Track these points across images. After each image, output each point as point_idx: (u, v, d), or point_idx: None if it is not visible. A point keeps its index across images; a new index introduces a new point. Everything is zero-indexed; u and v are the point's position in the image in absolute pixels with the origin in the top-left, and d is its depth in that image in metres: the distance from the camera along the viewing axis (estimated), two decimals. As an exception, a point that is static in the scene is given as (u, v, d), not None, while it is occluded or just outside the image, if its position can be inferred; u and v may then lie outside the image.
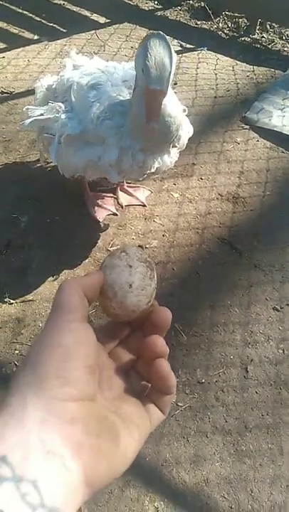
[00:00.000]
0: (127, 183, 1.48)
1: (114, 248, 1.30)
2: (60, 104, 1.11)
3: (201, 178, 1.58)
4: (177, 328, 1.18)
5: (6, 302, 1.18)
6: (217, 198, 1.51)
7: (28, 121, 1.15)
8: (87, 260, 1.30)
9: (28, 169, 1.54)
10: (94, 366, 0.26)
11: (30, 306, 1.19)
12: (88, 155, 1.08)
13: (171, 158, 1.13)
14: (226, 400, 1.07)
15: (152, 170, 1.08)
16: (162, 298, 1.18)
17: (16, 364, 1.07)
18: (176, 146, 1.12)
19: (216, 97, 1.93)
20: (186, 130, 1.16)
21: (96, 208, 1.40)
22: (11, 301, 1.18)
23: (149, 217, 1.44)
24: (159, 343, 0.30)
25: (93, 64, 1.17)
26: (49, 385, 0.23)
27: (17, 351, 1.10)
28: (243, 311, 1.23)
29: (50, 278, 1.26)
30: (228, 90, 1.96)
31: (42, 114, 1.15)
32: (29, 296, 1.20)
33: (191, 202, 1.50)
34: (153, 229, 1.40)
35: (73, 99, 1.08)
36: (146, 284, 0.31)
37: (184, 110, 1.11)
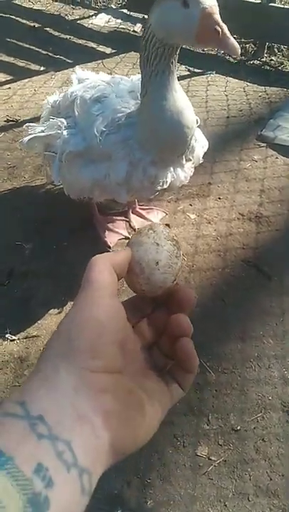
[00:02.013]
0: (139, 205, 1.37)
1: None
2: (62, 119, 1.02)
3: (219, 198, 1.46)
4: (203, 364, 1.02)
5: (8, 339, 1.04)
6: (238, 218, 1.39)
7: (26, 138, 1.06)
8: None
9: (34, 195, 1.45)
10: (123, 341, 0.27)
11: (34, 342, 1.04)
12: (94, 173, 0.97)
13: (185, 172, 1.02)
14: (268, 452, 0.89)
15: (165, 186, 0.97)
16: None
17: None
18: (190, 160, 1.02)
19: (228, 117, 1.86)
20: (200, 143, 1.07)
21: (107, 232, 1.29)
22: (13, 337, 1.04)
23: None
24: (184, 321, 0.30)
25: (98, 77, 1.09)
26: (81, 357, 0.24)
27: (19, 396, 0.95)
28: (279, 342, 1.07)
29: (57, 310, 1.12)
30: (241, 110, 1.89)
31: (43, 131, 1.06)
32: (33, 332, 1.06)
33: (209, 223, 1.37)
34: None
35: (76, 114, 1.00)
36: (172, 262, 0.32)
37: (197, 121, 0.98)
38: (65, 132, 0.99)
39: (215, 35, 0.68)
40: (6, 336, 1.04)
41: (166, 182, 0.97)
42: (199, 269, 1.23)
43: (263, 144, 1.69)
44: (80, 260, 1.26)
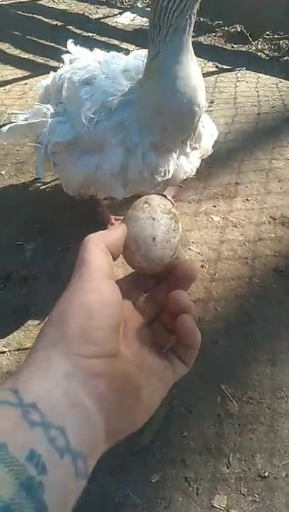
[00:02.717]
0: None
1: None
2: (49, 106, 0.89)
3: (248, 199, 1.30)
4: (225, 391, 0.85)
5: (-2, 350, 0.91)
6: (269, 222, 1.22)
7: (5, 128, 0.92)
8: (105, 296, 1.03)
9: (40, 192, 1.34)
10: (118, 324, 0.26)
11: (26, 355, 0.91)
12: (86, 166, 0.84)
13: (190, 163, 0.88)
14: (303, 509, 0.70)
15: (168, 176, 0.82)
16: (203, 347, 0.87)
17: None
18: (196, 148, 0.87)
19: (259, 113, 1.69)
20: (208, 130, 0.91)
21: None
22: (3, 348, 0.91)
23: (184, 244, 1.16)
24: (183, 298, 0.28)
25: (91, 56, 0.95)
26: (73, 343, 0.23)
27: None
28: (317, 369, 0.88)
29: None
30: (273, 107, 1.73)
31: (26, 120, 0.93)
32: (27, 343, 0.93)
33: (236, 226, 1.21)
34: (188, 258, 1.12)
35: (65, 99, 0.87)
36: (170, 236, 0.30)
37: (206, 106, 0.80)
38: (51, 120, 0.86)
39: None
40: (-4, 346, 0.91)
41: (169, 171, 0.82)
42: (222, 278, 1.07)
43: (297, 142, 1.52)
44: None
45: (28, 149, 1.49)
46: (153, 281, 0.32)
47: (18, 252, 1.13)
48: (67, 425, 0.21)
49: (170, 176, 0.83)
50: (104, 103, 0.79)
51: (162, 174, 0.82)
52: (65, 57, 1.00)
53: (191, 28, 0.67)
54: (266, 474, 0.75)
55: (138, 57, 0.88)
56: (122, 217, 1.23)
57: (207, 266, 1.10)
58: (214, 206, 1.28)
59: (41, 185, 1.35)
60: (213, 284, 1.06)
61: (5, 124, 1.03)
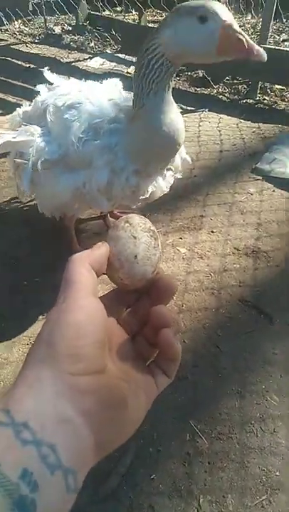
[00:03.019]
0: (119, 212, 1.29)
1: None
2: (36, 127, 0.94)
3: (212, 231, 1.33)
4: (194, 427, 0.82)
5: None
6: (233, 253, 1.25)
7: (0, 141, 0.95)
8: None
9: (7, 225, 1.32)
10: (103, 341, 0.26)
11: (-15, 398, 0.86)
12: (72, 182, 0.90)
13: (166, 181, 0.99)
14: None
15: (146, 195, 0.93)
16: (172, 382, 0.84)
17: None
18: (170, 169, 0.98)
19: (221, 151, 1.78)
20: (180, 153, 1.00)
21: None
22: None
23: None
24: (164, 313, 0.30)
25: (69, 83, 1.03)
26: (62, 362, 0.24)
27: None
28: (285, 399, 0.88)
29: (20, 357, 0.94)
30: (235, 144, 1.82)
31: (14, 138, 0.96)
32: (-14, 384, 0.88)
33: (201, 258, 1.23)
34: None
35: (50, 121, 0.92)
36: (151, 253, 0.31)
37: None
38: (39, 140, 0.92)
39: (240, 45, 0.67)
40: None
41: (148, 191, 0.93)
42: (190, 309, 1.07)
43: (258, 177, 1.59)
44: (51, 300, 1.10)
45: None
46: (134, 296, 0.33)
47: (-19, 288, 1.09)
48: (58, 442, 0.22)
49: (148, 196, 0.93)
50: (91, 124, 0.86)
51: (142, 193, 0.91)
52: (40, 87, 1.06)
53: (170, 86, 0.77)
54: (238, 515, 0.71)
55: (113, 85, 1.00)
56: (128, 211, 1.25)
57: (174, 297, 1.10)
58: (180, 238, 1.30)
59: (8, 220, 1.34)
60: (180, 315, 1.05)
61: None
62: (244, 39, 0.66)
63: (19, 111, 1.13)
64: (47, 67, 1.11)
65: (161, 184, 0.96)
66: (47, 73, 1.08)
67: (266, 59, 0.67)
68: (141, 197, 0.92)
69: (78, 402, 0.24)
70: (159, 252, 0.32)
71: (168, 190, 1.00)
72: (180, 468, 0.77)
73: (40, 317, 1.04)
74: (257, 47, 0.66)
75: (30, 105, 1.11)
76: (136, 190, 0.89)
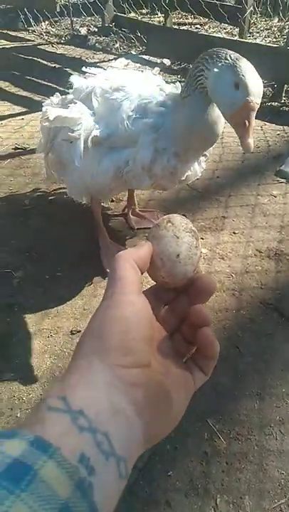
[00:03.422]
0: (139, 207, 1.35)
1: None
2: (84, 107, 1.00)
3: (234, 233, 1.32)
4: (212, 427, 0.82)
5: (-24, 381, 0.87)
6: (255, 255, 1.24)
7: (52, 114, 0.97)
8: (90, 326, 1.01)
9: (31, 220, 1.34)
10: (150, 336, 0.28)
11: (8, 386, 0.87)
12: (116, 161, 0.98)
13: (200, 167, 1.08)
14: None
15: (183, 178, 1.03)
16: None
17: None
18: (205, 155, 1.06)
19: (244, 153, 1.76)
20: None
21: (111, 258, 1.18)
22: (-18, 379, 0.87)
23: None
24: (204, 312, 0.31)
25: (113, 71, 1.12)
26: (112, 354, 0.25)
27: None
28: (306, 404, 0.86)
29: (41, 349, 0.96)
30: (258, 147, 1.81)
31: (66, 114, 1.00)
32: (8, 374, 0.89)
33: (223, 258, 1.22)
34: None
35: (96, 103, 0.99)
36: (192, 253, 0.32)
37: None
38: (88, 118, 0.98)
39: (241, 127, 0.76)
40: (-25, 377, 0.88)
41: (185, 174, 1.02)
42: (210, 309, 1.06)
43: (282, 180, 1.58)
44: (75, 293, 1.12)
45: (21, 180, 1.52)
46: (173, 294, 0.34)
47: (6, 279, 1.12)
48: (111, 431, 0.23)
49: (185, 178, 1.03)
50: (140, 104, 0.94)
51: (179, 176, 1.00)
52: (74, 77, 1.09)
53: None
54: (255, 518, 0.70)
55: (152, 74, 1.08)
56: (150, 210, 1.35)
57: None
58: (202, 238, 1.29)
59: (34, 216, 1.36)
60: (200, 315, 1.05)
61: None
62: (247, 127, 0.75)
63: (53, 100, 1.16)
64: (84, 67, 1.15)
65: (196, 168, 1.04)
66: (85, 69, 1.14)
67: (250, 151, 0.78)
68: (177, 179, 1.00)
69: (129, 393, 0.25)
70: (200, 252, 0.33)
71: (200, 175, 1.09)
72: (197, 467, 0.76)
73: (61, 311, 1.05)
74: (249, 140, 0.76)
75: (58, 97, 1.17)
76: (174, 172, 0.96)
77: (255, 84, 0.74)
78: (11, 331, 0.99)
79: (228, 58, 0.76)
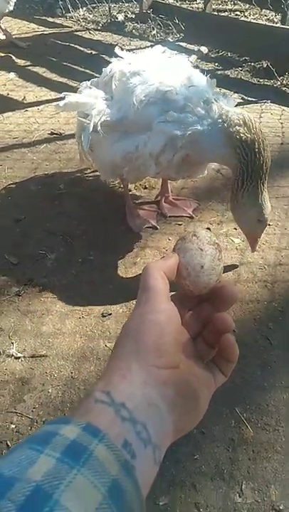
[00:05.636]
0: (174, 198, 1.36)
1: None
2: (99, 91, 1.03)
3: (269, 224, 1.29)
4: (239, 415, 0.82)
5: (12, 355, 0.91)
6: (289, 248, 1.21)
7: (62, 102, 1.05)
8: (121, 310, 1.02)
9: (66, 204, 1.37)
10: (179, 340, 0.32)
11: (40, 363, 0.90)
12: (126, 146, 1.00)
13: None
14: None
15: (188, 173, 1.07)
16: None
17: (8, 445, 0.76)
18: None
19: (282, 143, 1.72)
20: None
21: (135, 218, 1.27)
22: (18, 354, 0.91)
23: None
24: (228, 320, 0.33)
25: (138, 55, 1.13)
26: (148, 356, 0.29)
27: (13, 425, 0.80)
28: None
29: (72, 329, 0.98)
30: (297, 138, 1.75)
31: (79, 99, 1.06)
32: (41, 350, 0.92)
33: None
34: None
35: (114, 86, 1.01)
36: (215, 264, 0.34)
37: None
38: (101, 102, 1.01)
39: (253, 240, 1.04)
40: (11, 351, 0.91)
41: (191, 169, 1.05)
42: (241, 300, 1.05)
43: None
44: (106, 277, 1.14)
45: (56, 165, 1.55)
46: (196, 301, 0.37)
47: (41, 260, 1.15)
48: (148, 422, 0.26)
49: (190, 174, 1.08)
50: (158, 90, 0.95)
51: (185, 171, 1.03)
52: (113, 60, 1.14)
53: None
54: (281, 507, 0.70)
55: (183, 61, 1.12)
56: (183, 198, 1.39)
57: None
58: (235, 229, 1.28)
59: (69, 199, 1.39)
60: (231, 305, 1.04)
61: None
62: (257, 239, 1.04)
63: (87, 82, 1.19)
64: (118, 48, 1.17)
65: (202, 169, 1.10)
66: (118, 50, 1.16)
67: (253, 252, 1.08)
68: (181, 176, 1.05)
69: (162, 391, 0.28)
70: (222, 263, 0.35)
71: (207, 172, 1.16)
72: (224, 453, 0.77)
73: (92, 294, 1.07)
74: (254, 247, 1.06)
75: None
76: (178, 169, 1.01)
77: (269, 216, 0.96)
78: (44, 310, 1.02)
79: (263, 193, 0.97)
